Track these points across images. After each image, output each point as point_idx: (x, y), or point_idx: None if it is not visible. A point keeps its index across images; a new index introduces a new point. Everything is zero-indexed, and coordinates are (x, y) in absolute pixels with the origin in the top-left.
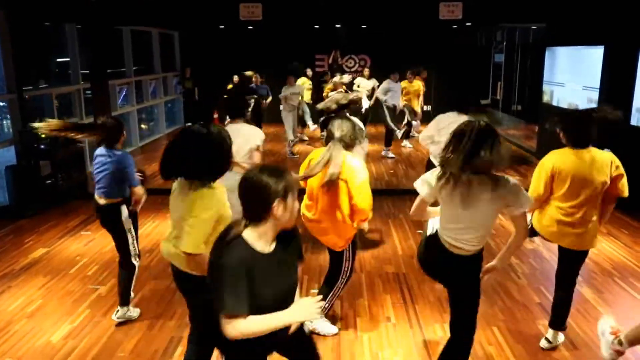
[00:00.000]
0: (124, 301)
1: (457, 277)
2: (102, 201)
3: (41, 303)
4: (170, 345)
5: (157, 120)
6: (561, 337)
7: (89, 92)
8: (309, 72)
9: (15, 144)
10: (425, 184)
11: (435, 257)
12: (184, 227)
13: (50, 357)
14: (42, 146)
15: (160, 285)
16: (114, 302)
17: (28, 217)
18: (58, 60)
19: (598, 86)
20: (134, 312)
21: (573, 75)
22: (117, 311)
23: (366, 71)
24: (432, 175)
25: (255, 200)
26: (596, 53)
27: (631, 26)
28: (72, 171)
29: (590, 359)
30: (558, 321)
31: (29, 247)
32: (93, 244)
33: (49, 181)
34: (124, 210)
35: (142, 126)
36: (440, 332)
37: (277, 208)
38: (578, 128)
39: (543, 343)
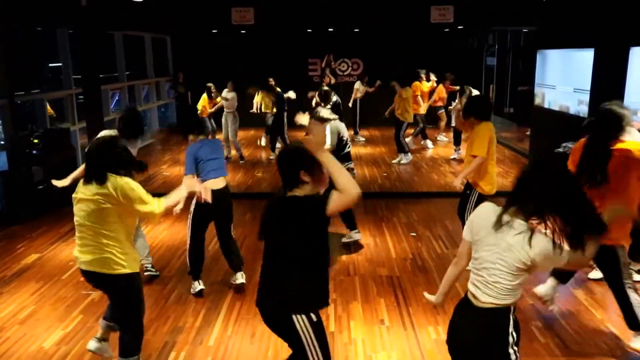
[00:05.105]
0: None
1: None
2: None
3: (34, 309)
4: (164, 351)
5: (150, 125)
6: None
7: (81, 97)
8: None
9: (7, 149)
10: None
11: None
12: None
13: None
14: (34, 152)
15: (154, 290)
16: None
17: (20, 223)
18: (50, 65)
19: (589, 88)
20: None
21: (564, 78)
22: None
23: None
24: None
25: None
26: (587, 55)
27: (621, 29)
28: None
29: (582, 358)
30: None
31: (21, 253)
32: None
33: (41, 187)
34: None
35: None
36: (433, 334)
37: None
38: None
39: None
